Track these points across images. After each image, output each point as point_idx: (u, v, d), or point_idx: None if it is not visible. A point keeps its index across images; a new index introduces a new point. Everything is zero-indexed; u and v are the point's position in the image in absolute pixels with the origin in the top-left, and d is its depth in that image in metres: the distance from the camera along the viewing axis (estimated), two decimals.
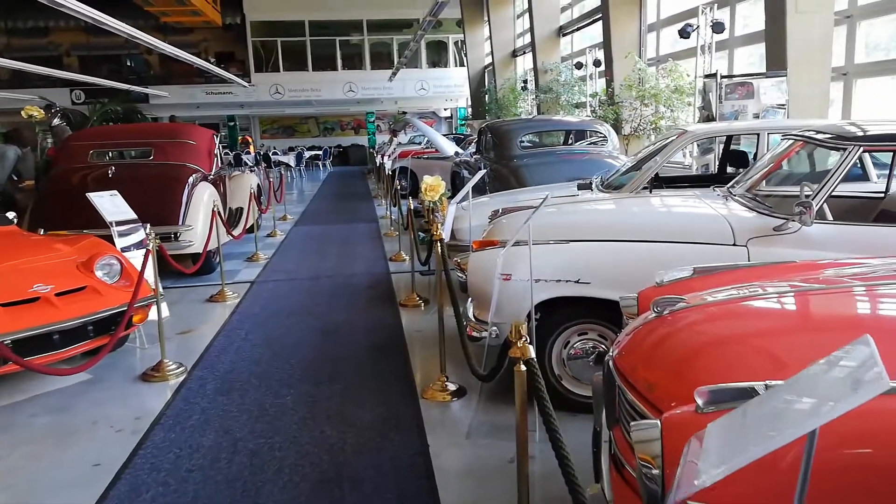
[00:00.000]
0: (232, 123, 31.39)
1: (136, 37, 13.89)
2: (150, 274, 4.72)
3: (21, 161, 9.26)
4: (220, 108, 29.76)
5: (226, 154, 10.04)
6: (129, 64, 29.58)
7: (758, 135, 5.64)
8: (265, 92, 28.38)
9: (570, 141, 9.80)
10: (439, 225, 4.35)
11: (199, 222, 7.22)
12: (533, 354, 1.93)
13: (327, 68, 29.01)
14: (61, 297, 4.30)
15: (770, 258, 3.34)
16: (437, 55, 30.44)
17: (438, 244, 4.17)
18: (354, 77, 28.94)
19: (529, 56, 18.90)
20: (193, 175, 7.67)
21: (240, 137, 30.14)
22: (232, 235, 7.83)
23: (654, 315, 2.21)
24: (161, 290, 5.19)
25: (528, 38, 19.36)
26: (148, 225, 5.14)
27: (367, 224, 11.93)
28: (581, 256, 3.64)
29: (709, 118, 8.30)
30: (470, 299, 4.14)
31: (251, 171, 13.20)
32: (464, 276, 4.26)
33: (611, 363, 2.25)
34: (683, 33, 10.12)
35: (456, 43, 29.37)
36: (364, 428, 3.72)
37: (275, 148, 28.94)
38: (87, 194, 5.46)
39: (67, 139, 8.77)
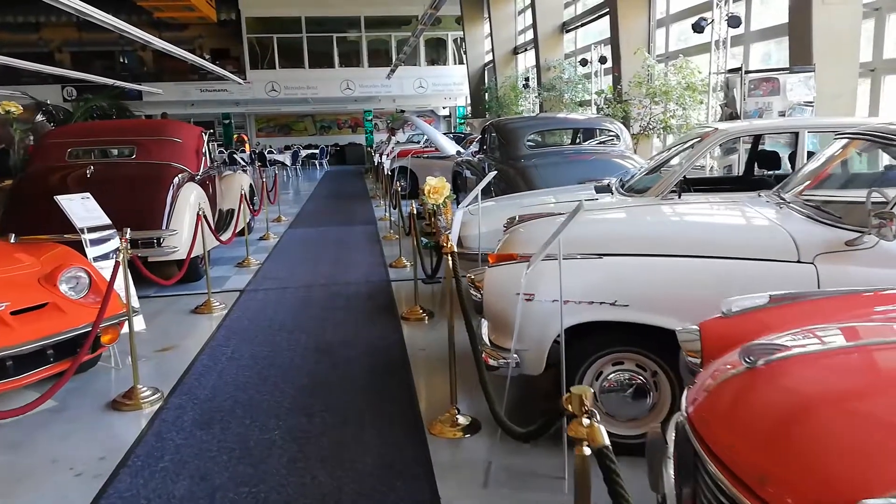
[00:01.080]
0: (227, 121, 30.90)
1: (129, 33, 13.40)
2: (122, 287, 4.21)
3: None
4: (215, 106, 29.27)
5: (220, 153, 9.50)
6: (122, 60, 29.00)
7: (796, 134, 5.12)
8: (261, 89, 27.90)
9: (578, 140, 9.29)
10: (448, 237, 3.81)
11: (184, 226, 6.69)
12: (607, 441, 1.36)
13: (324, 66, 28.50)
14: (18, 316, 3.77)
15: (843, 278, 2.84)
16: (436, 52, 29.91)
17: (449, 257, 3.65)
18: (352, 74, 28.43)
19: (531, 53, 18.40)
20: (179, 175, 7.14)
21: (235, 136, 29.65)
22: (220, 240, 7.30)
23: (744, 367, 1.70)
24: (136, 304, 4.67)
25: (529, 35, 18.85)
26: (128, 230, 4.50)
27: (365, 226, 11.39)
28: (617, 274, 3.11)
29: (732, 116, 7.79)
30: (483, 321, 3.62)
31: (244, 170, 12.69)
32: (479, 295, 3.72)
33: (686, 426, 1.73)
34: (697, 27, 9.67)
35: (455, 40, 28.86)
36: (363, 473, 3.19)
37: (270, 146, 28.44)
38: (55, 197, 4.93)
39: (44, 136, 8.23)
